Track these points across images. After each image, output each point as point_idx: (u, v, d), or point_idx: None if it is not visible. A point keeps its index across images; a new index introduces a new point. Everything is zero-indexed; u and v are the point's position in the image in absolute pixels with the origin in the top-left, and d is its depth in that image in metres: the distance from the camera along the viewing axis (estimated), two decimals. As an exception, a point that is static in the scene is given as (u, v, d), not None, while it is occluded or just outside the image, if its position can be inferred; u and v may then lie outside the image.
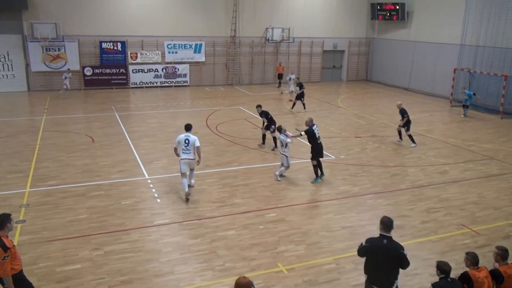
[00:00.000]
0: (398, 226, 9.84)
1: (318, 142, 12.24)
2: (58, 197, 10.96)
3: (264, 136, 15.68)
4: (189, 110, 21.93)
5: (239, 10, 28.35)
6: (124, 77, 26.85)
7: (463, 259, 6.45)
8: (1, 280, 5.87)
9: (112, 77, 26.61)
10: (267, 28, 29.22)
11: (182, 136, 11.07)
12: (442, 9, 26.20)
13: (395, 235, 9.36)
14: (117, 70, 26.65)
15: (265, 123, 15.42)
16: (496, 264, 6.36)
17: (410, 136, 16.18)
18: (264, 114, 15.42)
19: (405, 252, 6.08)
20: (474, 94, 21.93)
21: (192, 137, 11.05)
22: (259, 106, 15.93)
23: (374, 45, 32.74)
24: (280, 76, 28.93)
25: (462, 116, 21.68)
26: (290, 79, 24.32)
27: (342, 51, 32.56)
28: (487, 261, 7.47)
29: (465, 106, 21.84)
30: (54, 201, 10.74)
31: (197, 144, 10.98)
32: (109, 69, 26.42)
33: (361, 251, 6.32)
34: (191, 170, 11.48)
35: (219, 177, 12.65)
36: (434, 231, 9.70)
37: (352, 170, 13.44)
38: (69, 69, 25.02)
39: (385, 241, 6.10)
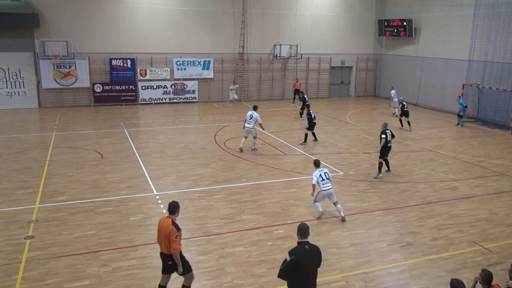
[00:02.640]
0: (408, 243, 9.74)
1: (389, 145, 14.12)
2: (67, 213, 10.99)
3: (306, 136, 18.29)
4: (197, 126, 22.04)
5: (247, 27, 28.67)
6: (133, 93, 27.13)
7: (475, 277, 6.34)
8: (166, 256, 7.04)
9: (122, 93, 26.90)
10: (275, 45, 29.46)
11: (250, 112, 16.63)
12: (449, 25, 26.28)
13: (405, 252, 9.31)
14: (127, 87, 26.94)
15: (308, 124, 18.19)
16: (510, 282, 6.25)
17: (408, 122, 20.91)
18: (309, 115, 18.14)
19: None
20: (465, 106, 22.49)
21: (256, 115, 16.49)
22: (307, 105, 19.51)
23: (382, 61, 32.82)
24: (296, 92, 28.87)
25: (456, 125, 22.47)
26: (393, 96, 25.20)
27: (350, 67, 32.67)
28: (500, 279, 7.33)
29: (459, 116, 22.37)
30: (62, 217, 10.77)
31: (259, 121, 16.55)
32: (118, 85, 26.73)
33: (288, 268, 5.98)
34: (254, 137, 16.69)
35: (227, 193, 12.63)
36: (445, 248, 9.56)
37: (361, 186, 13.35)
38: (234, 81, 28.03)
39: (306, 246, 6.11)
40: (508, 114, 21.85)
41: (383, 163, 14.25)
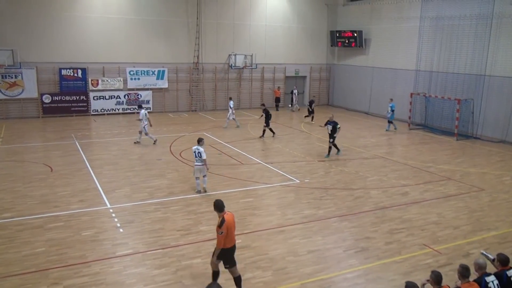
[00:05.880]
0: (363, 248, 9.96)
1: (329, 132, 17.80)
2: (14, 230, 10.45)
3: (264, 131, 21.28)
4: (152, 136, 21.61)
5: (202, 37, 28.63)
6: (85, 104, 26.33)
7: (425, 280, 6.57)
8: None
9: (72, 104, 26.05)
10: (229, 55, 29.58)
11: (143, 111, 19.46)
12: (397, 36, 27.41)
13: (360, 257, 9.51)
14: (77, 97, 26.13)
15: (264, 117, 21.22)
16: (459, 282, 6.51)
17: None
18: (265, 112, 21.19)
19: None
20: (388, 110, 24.08)
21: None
22: (262, 104, 22.72)
23: (334, 71, 33.70)
24: (277, 100, 30.54)
25: (386, 131, 24.00)
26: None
27: (304, 77, 33.30)
28: (449, 280, 7.63)
29: (389, 122, 24.16)
30: (9, 234, 10.23)
31: (147, 115, 19.65)
32: (69, 96, 25.86)
33: None
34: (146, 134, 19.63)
35: (184, 204, 12.46)
36: (398, 252, 9.86)
37: (317, 194, 13.56)
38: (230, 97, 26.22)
39: None
40: (453, 121, 22.96)
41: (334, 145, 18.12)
